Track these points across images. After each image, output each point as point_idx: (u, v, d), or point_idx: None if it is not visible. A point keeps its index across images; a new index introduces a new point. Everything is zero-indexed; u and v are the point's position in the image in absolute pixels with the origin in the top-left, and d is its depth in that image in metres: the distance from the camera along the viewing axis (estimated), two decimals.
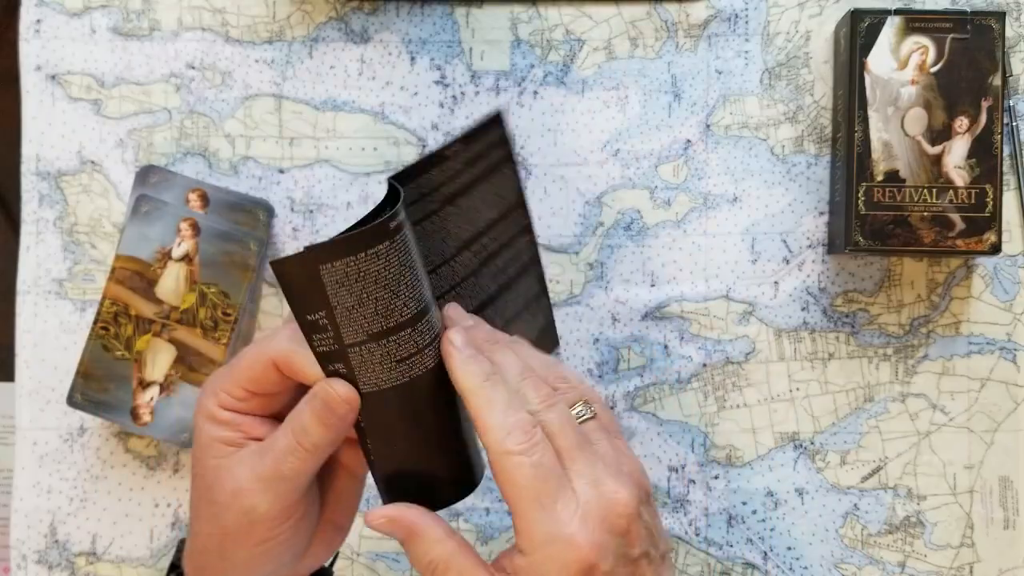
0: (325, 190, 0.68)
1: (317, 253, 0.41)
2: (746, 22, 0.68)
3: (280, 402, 0.47)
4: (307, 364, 0.45)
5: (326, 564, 0.52)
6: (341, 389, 0.44)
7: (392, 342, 0.43)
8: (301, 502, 0.46)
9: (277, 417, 0.47)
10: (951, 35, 0.62)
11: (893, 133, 0.62)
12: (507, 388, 0.45)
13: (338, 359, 0.44)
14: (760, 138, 0.67)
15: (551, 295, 0.67)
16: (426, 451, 0.46)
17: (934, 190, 0.62)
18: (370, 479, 0.49)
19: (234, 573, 0.47)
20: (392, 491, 0.47)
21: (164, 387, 0.64)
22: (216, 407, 0.46)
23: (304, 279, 0.42)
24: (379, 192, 0.68)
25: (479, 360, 0.45)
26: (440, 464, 0.47)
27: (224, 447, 0.46)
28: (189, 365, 0.64)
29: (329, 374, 0.44)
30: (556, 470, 0.43)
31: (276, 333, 0.46)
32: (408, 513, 0.45)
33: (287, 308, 0.66)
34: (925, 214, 0.62)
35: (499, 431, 0.43)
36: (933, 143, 0.62)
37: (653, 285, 0.67)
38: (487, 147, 0.48)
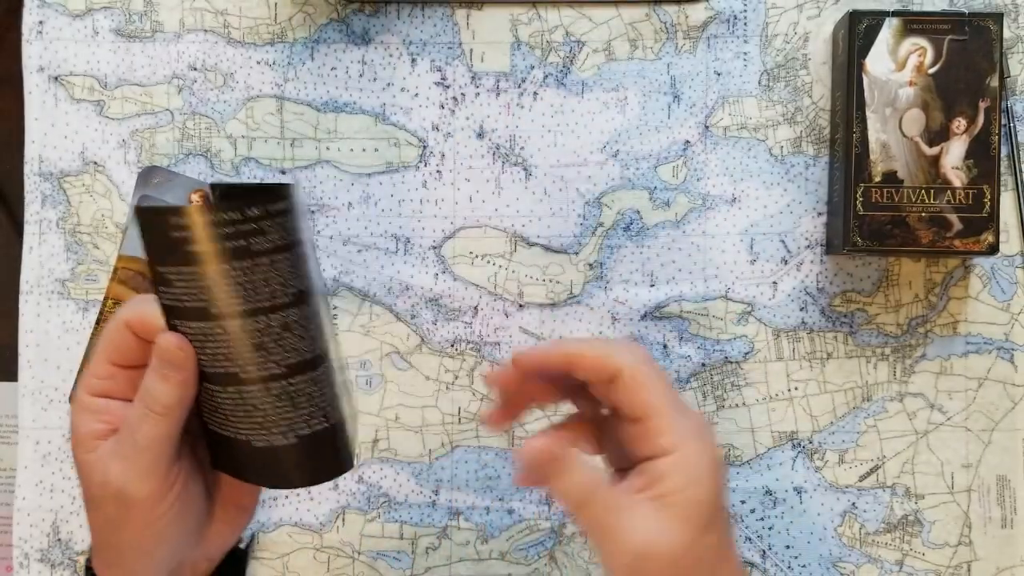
0: (326, 191, 0.68)
1: (179, 208, 0.41)
2: (745, 24, 0.68)
3: (133, 381, 0.47)
4: (156, 319, 0.44)
5: (241, 546, 0.52)
6: (172, 339, 0.44)
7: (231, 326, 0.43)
8: (172, 479, 0.45)
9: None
10: (949, 36, 0.63)
11: (891, 134, 0.63)
12: None
13: (178, 316, 0.43)
14: (759, 139, 0.68)
15: (552, 295, 0.67)
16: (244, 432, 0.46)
17: (932, 191, 0.63)
18: None
19: (133, 561, 0.46)
20: (218, 457, 0.47)
21: None
22: (85, 394, 0.46)
23: (162, 230, 0.41)
24: (380, 192, 0.68)
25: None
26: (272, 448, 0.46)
27: (93, 441, 0.46)
28: None
29: (170, 328, 0.44)
30: (667, 382, 0.47)
31: (129, 300, 0.46)
32: (555, 443, 0.46)
33: None
34: (923, 215, 0.63)
35: (621, 355, 0.46)
36: (931, 144, 0.63)
37: (652, 285, 0.68)
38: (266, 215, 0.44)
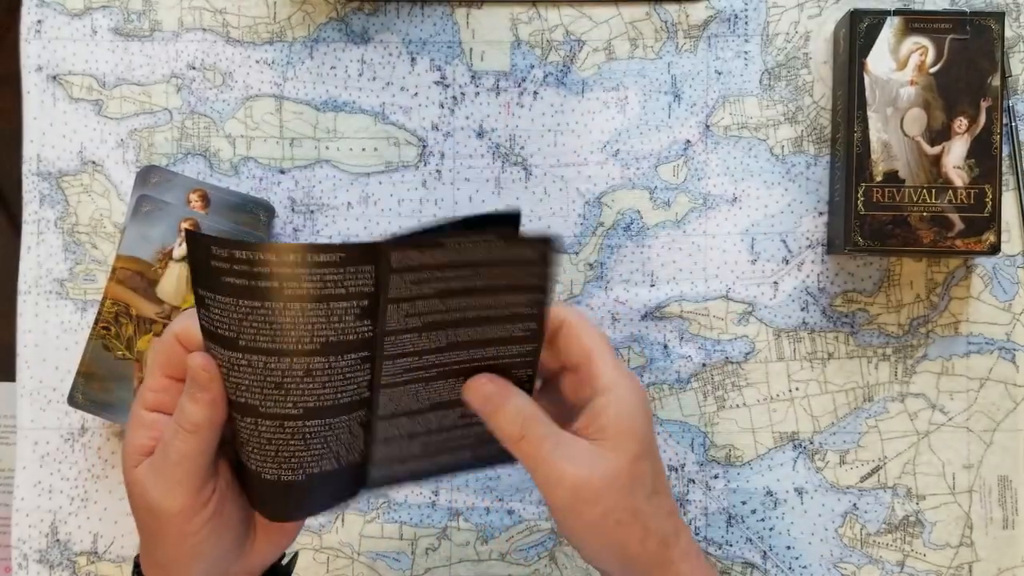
0: (326, 190, 0.68)
1: (215, 240, 0.42)
2: (746, 23, 0.68)
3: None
4: (198, 334, 0.45)
5: (282, 563, 0.53)
6: (199, 359, 0.45)
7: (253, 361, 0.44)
8: (206, 496, 0.46)
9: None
10: (950, 36, 0.62)
11: (892, 133, 0.63)
12: None
13: (211, 339, 0.44)
14: (760, 139, 0.68)
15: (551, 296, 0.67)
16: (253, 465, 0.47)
17: (933, 190, 0.62)
18: None
19: (172, 570, 0.47)
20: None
21: None
22: (140, 408, 0.47)
23: (204, 256, 0.42)
24: (379, 192, 0.68)
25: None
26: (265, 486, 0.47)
27: (139, 455, 0.47)
28: None
29: (207, 348, 0.45)
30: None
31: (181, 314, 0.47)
32: (497, 378, 0.49)
33: None
34: (924, 214, 0.62)
35: (565, 311, 0.50)
36: (932, 143, 0.62)
37: (653, 285, 0.67)
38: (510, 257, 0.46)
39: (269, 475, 0.46)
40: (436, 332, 0.46)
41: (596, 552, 0.49)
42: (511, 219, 0.47)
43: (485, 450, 0.51)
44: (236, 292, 0.42)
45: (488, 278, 0.45)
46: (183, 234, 0.64)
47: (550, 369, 0.51)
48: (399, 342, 0.46)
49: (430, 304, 0.45)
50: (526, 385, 0.49)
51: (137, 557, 0.50)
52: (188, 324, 0.46)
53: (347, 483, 0.49)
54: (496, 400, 0.48)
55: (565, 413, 0.50)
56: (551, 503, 0.48)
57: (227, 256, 0.41)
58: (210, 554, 0.47)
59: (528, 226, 0.68)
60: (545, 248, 0.45)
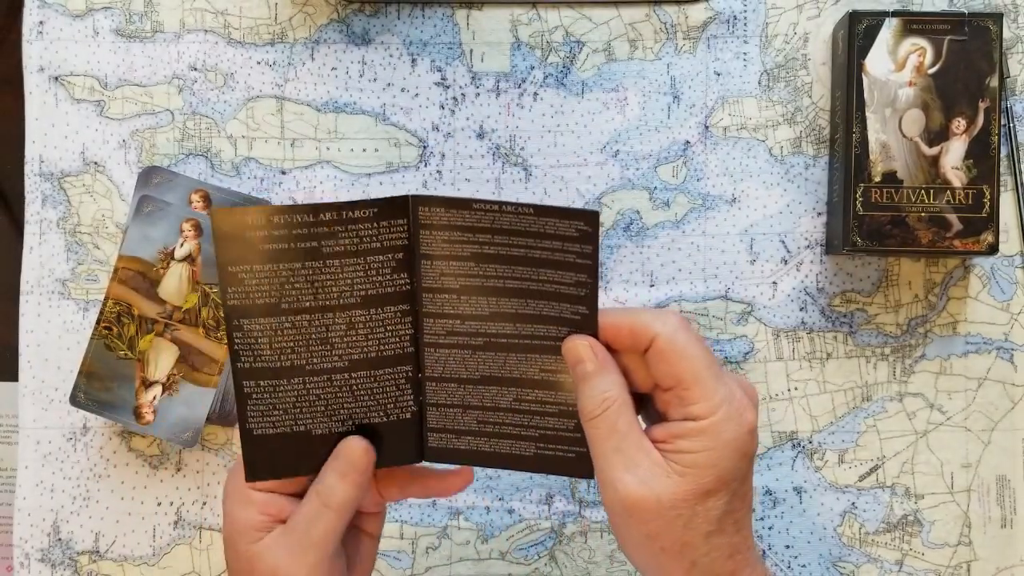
0: (327, 191, 0.68)
1: (247, 211, 0.43)
2: (745, 24, 0.68)
3: (302, 482, 0.49)
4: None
5: None
6: (360, 443, 0.46)
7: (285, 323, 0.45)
8: (339, 568, 0.48)
9: (298, 496, 0.49)
10: (949, 36, 0.63)
11: (891, 134, 0.63)
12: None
13: (245, 314, 0.45)
14: (758, 139, 0.68)
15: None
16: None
17: (931, 191, 0.63)
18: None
19: None
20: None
21: (167, 387, 0.64)
22: (248, 488, 0.48)
23: (239, 229, 0.43)
24: (380, 192, 0.68)
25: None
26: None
27: (256, 532, 0.47)
28: (191, 365, 0.64)
29: (232, 328, 0.45)
30: (710, 350, 0.47)
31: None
32: (601, 347, 0.46)
33: None
34: (923, 215, 0.63)
35: (659, 320, 0.46)
36: (931, 144, 0.63)
37: (652, 285, 0.68)
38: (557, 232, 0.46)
39: (320, 430, 0.48)
40: (476, 298, 0.47)
41: (639, 565, 0.47)
42: (588, 215, 0.45)
43: (551, 452, 0.50)
44: (275, 257, 0.43)
45: (525, 248, 0.45)
46: (185, 234, 0.65)
47: (641, 385, 0.48)
48: (437, 300, 0.47)
49: (465, 266, 0.46)
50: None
51: None
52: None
53: (403, 444, 0.50)
54: (588, 368, 0.46)
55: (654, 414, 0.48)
56: (604, 501, 0.46)
57: (264, 222, 0.43)
58: None
59: None
60: (583, 223, 0.44)
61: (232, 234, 0.43)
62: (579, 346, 0.46)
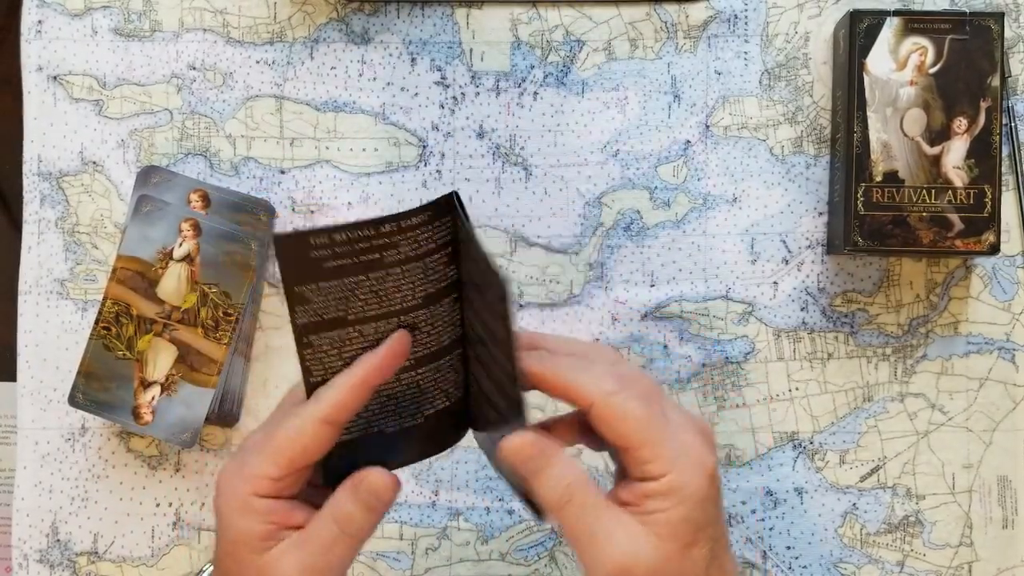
0: (326, 190, 0.68)
1: (311, 232, 0.44)
2: (745, 23, 0.68)
3: (302, 480, 0.47)
4: (352, 406, 0.46)
5: None
6: (388, 479, 0.46)
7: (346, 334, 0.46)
8: None
9: (296, 498, 0.48)
10: (950, 36, 0.63)
11: (892, 134, 0.63)
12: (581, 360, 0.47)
13: (314, 331, 0.46)
14: (759, 139, 0.68)
15: (552, 296, 0.67)
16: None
17: (933, 190, 0.62)
18: None
19: None
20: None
21: (165, 387, 0.64)
22: (251, 496, 0.46)
23: (303, 251, 0.44)
24: (380, 192, 0.68)
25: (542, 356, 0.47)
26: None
27: (262, 542, 0.46)
28: (190, 365, 0.64)
29: (302, 346, 0.46)
30: (652, 401, 0.45)
31: (297, 407, 0.46)
32: (542, 438, 0.45)
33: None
34: (924, 214, 0.62)
35: (593, 383, 0.45)
36: (932, 144, 0.63)
37: (653, 285, 0.67)
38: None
39: (391, 428, 0.49)
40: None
41: None
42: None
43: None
44: (340, 273, 0.44)
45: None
46: (184, 234, 0.64)
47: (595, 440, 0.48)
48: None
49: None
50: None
51: None
52: (334, 401, 0.45)
53: (455, 422, 0.51)
54: (538, 462, 0.45)
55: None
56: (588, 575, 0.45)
57: (327, 241, 0.44)
58: None
59: (528, 226, 0.68)
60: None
61: (296, 257, 0.44)
62: (519, 447, 0.45)
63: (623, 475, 0.47)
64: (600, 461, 0.65)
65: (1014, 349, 0.67)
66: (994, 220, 0.62)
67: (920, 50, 0.63)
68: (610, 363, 0.48)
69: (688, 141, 0.68)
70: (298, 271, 0.44)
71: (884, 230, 0.62)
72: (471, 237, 0.45)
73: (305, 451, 0.45)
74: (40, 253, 0.68)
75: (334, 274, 0.44)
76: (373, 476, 0.46)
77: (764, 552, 0.67)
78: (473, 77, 0.68)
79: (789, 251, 0.67)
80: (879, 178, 0.63)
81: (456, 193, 0.46)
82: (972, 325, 0.67)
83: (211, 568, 0.66)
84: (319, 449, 0.46)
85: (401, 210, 0.45)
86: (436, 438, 0.51)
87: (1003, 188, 0.64)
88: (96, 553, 0.67)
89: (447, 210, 0.46)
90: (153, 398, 0.64)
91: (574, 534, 0.45)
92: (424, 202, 0.45)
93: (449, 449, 0.52)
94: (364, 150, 0.68)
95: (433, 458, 0.67)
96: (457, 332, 0.49)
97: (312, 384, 0.47)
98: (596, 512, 0.45)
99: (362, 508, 0.46)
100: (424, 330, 0.47)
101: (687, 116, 0.68)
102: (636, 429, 0.44)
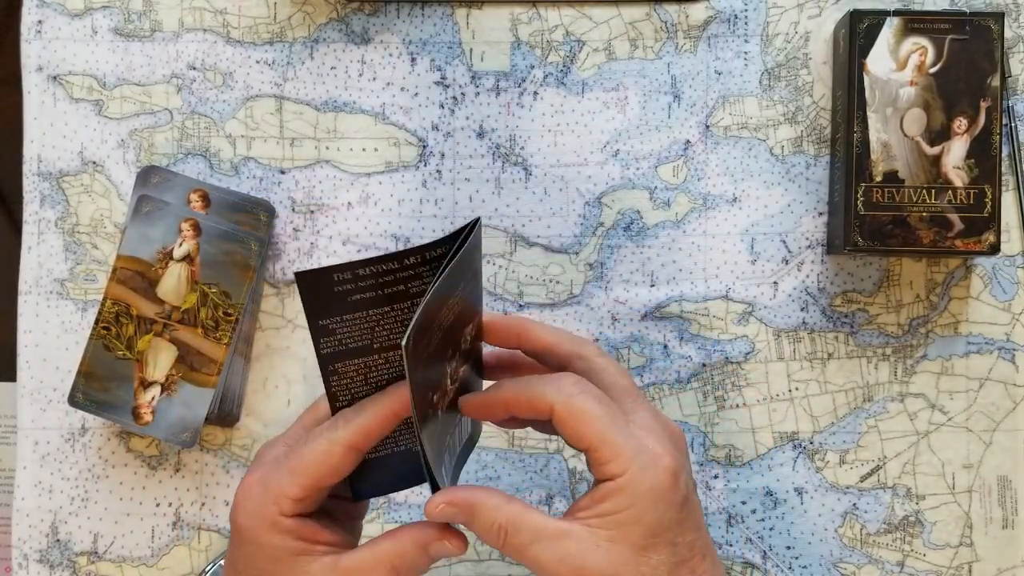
0: (326, 190, 0.68)
1: (335, 268, 0.44)
2: (745, 23, 0.68)
3: (322, 499, 0.48)
4: (376, 431, 0.46)
5: None
6: (459, 542, 0.46)
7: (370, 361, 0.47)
8: None
9: (315, 514, 0.48)
10: (950, 36, 0.62)
11: (892, 134, 0.63)
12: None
13: (339, 359, 0.46)
14: (759, 139, 0.68)
15: (552, 295, 0.67)
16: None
17: (933, 190, 0.62)
18: None
19: None
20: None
21: (165, 387, 0.64)
22: (279, 516, 0.46)
23: (327, 286, 0.44)
24: (379, 192, 0.68)
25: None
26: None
27: (296, 558, 0.46)
28: (190, 365, 0.64)
29: (328, 374, 0.46)
30: (612, 403, 0.46)
31: (325, 429, 0.47)
32: (460, 492, 0.46)
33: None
34: (924, 214, 0.62)
35: (553, 388, 0.45)
36: (932, 144, 0.63)
37: (653, 285, 0.67)
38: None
39: (415, 446, 0.49)
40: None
41: None
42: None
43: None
44: (365, 305, 0.45)
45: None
46: (184, 234, 0.64)
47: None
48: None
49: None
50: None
51: None
52: (358, 435, 0.46)
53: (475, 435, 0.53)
54: (463, 516, 0.46)
55: None
56: None
57: (351, 277, 0.44)
58: None
59: (528, 226, 0.68)
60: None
61: (319, 292, 0.44)
62: (438, 512, 0.46)
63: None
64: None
65: (1014, 349, 0.67)
66: (994, 220, 0.62)
67: (920, 50, 0.63)
68: (596, 354, 0.49)
69: (688, 141, 0.68)
70: (322, 305, 0.44)
71: (884, 230, 0.62)
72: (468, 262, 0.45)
73: (330, 473, 0.46)
74: (40, 253, 0.68)
75: (358, 306, 0.45)
76: (449, 542, 0.46)
77: (764, 552, 0.67)
78: (473, 77, 0.68)
79: (789, 251, 0.67)
80: (879, 178, 0.62)
81: (479, 220, 0.46)
82: (972, 325, 0.67)
83: (213, 568, 0.66)
84: (344, 471, 0.46)
85: (424, 241, 0.45)
86: (463, 457, 0.52)
87: (1003, 188, 0.64)
88: (96, 553, 0.67)
89: (469, 236, 0.46)
90: (153, 398, 0.64)
91: (523, 560, 0.45)
92: (444, 232, 0.46)
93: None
94: (364, 150, 0.68)
95: None
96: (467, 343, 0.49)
97: (339, 408, 0.47)
98: (537, 537, 0.44)
99: (427, 562, 0.46)
100: (440, 348, 0.47)
101: (687, 116, 0.68)
102: (596, 430, 0.45)
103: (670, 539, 0.44)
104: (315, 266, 0.67)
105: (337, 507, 0.51)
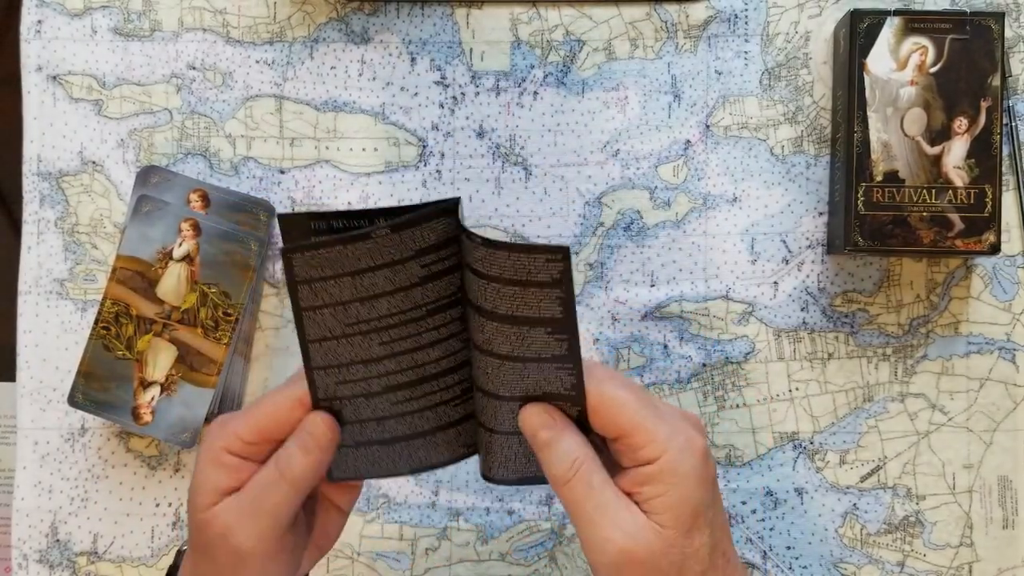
0: (326, 190, 0.68)
1: (308, 213, 0.45)
2: (746, 23, 0.68)
3: (271, 451, 0.49)
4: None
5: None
6: (326, 419, 0.47)
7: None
8: (288, 538, 0.47)
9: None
10: (950, 36, 0.62)
11: (892, 133, 0.63)
12: None
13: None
14: (760, 139, 0.68)
15: None
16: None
17: (933, 190, 0.62)
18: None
19: None
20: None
21: (165, 387, 0.64)
22: (222, 450, 0.47)
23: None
24: (379, 192, 0.68)
25: None
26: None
27: (218, 494, 0.47)
28: (190, 365, 0.64)
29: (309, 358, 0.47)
30: (641, 389, 0.47)
31: (292, 380, 0.48)
32: (556, 410, 0.47)
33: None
34: (924, 214, 0.62)
35: (590, 378, 0.46)
36: (932, 143, 0.62)
37: (653, 285, 0.67)
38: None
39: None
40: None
41: None
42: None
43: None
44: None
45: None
46: (183, 234, 0.64)
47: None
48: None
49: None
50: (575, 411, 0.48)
51: (173, 565, 0.51)
52: (304, 392, 0.47)
53: (463, 438, 0.52)
54: (548, 435, 0.46)
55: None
56: (591, 562, 0.46)
57: (326, 227, 0.45)
58: None
59: (528, 226, 0.68)
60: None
61: (297, 237, 0.45)
62: (534, 415, 0.46)
63: (618, 469, 0.47)
64: None
65: (1014, 349, 0.67)
66: (994, 220, 0.62)
67: (920, 50, 0.63)
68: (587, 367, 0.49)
69: (688, 141, 0.68)
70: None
71: (884, 230, 0.62)
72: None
73: (277, 423, 0.47)
74: (40, 253, 0.68)
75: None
76: (311, 417, 0.47)
77: (764, 552, 0.67)
78: (473, 77, 0.68)
79: (789, 251, 0.67)
80: (879, 178, 0.62)
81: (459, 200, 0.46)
82: (972, 325, 0.67)
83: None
84: (290, 424, 0.47)
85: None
86: (441, 450, 0.51)
87: (1003, 188, 0.64)
88: (96, 553, 0.67)
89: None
90: (153, 398, 0.64)
91: (577, 512, 0.45)
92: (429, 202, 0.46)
93: (459, 463, 0.52)
94: (364, 150, 0.68)
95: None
96: (464, 353, 0.48)
97: (307, 343, 0.47)
98: (602, 492, 0.45)
99: (300, 451, 0.46)
100: (431, 335, 0.47)
101: (687, 116, 0.68)
102: (629, 416, 0.45)
103: (709, 519, 0.45)
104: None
105: (334, 494, 0.52)
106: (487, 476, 0.51)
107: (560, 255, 0.43)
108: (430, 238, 0.45)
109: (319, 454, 0.46)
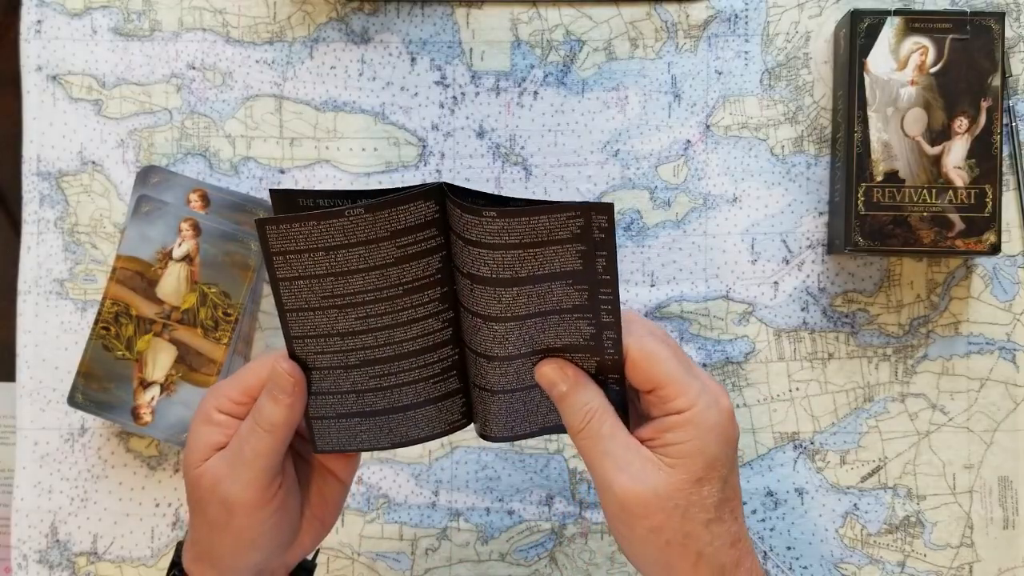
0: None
1: (282, 218, 0.45)
2: (746, 23, 0.68)
3: None
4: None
5: (308, 556, 0.55)
6: (286, 364, 0.48)
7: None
8: (273, 492, 0.49)
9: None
10: (951, 36, 0.62)
11: (893, 133, 0.63)
12: None
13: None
14: (760, 138, 0.68)
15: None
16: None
17: (933, 190, 0.62)
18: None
19: (227, 561, 0.50)
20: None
21: (165, 387, 0.64)
22: (213, 409, 0.50)
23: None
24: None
25: None
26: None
27: (210, 450, 0.49)
28: (190, 365, 0.64)
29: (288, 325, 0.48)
30: (677, 347, 0.49)
31: (268, 352, 0.50)
32: (570, 366, 0.49)
33: None
34: (924, 214, 0.62)
35: (631, 329, 0.48)
36: (933, 143, 0.62)
37: (653, 285, 0.67)
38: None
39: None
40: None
41: (644, 566, 0.48)
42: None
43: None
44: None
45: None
46: (183, 233, 0.64)
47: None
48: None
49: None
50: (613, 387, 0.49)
51: (176, 556, 0.52)
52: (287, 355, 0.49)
53: (452, 413, 0.53)
54: (563, 388, 0.48)
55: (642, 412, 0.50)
56: (603, 507, 0.48)
57: (312, 204, 0.46)
58: (267, 546, 0.50)
59: None
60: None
61: (287, 210, 0.46)
62: (549, 370, 0.48)
63: (645, 419, 0.49)
64: None
65: (1015, 349, 0.67)
66: (995, 220, 0.62)
67: (921, 50, 0.63)
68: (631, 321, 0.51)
69: (688, 141, 0.68)
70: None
71: (885, 230, 0.62)
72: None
73: (261, 381, 0.49)
74: (39, 253, 0.68)
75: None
76: (274, 367, 0.48)
77: (765, 552, 0.67)
78: (473, 77, 0.68)
79: (789, 251, 0.67)
80: (880, 178, 0.62)
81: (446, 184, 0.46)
82: (973, 325, 0.67)
83: None
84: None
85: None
86: (421, 426, 0.52)
87: (1004, 188, 0.64)
88: (95, 553, 0.67)
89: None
90: (152, 398, 0.64)
91: (590, 458, 0.47)
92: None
93: (442, 438, 0.53)
94: (364, 150, 0.68)
95: (431, 456, 0.67)
96: (444, 332, 0.49)
97: (286, 311, 0.48)
98: (612, 439, 0.47)
99: (267, 398, 0.48)
100: (408, 314, 0.48)
101: (687, 116, 0.68)
102: (666, 370, 0.47)
103: (723, 475, 0.47)
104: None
105: (329, 460, 0.53)
106: (484, 435, 0.52)
107: (578, 211, 0.45)
108: (407, 220, 0.46)
109: (286, 399, 0.48)
